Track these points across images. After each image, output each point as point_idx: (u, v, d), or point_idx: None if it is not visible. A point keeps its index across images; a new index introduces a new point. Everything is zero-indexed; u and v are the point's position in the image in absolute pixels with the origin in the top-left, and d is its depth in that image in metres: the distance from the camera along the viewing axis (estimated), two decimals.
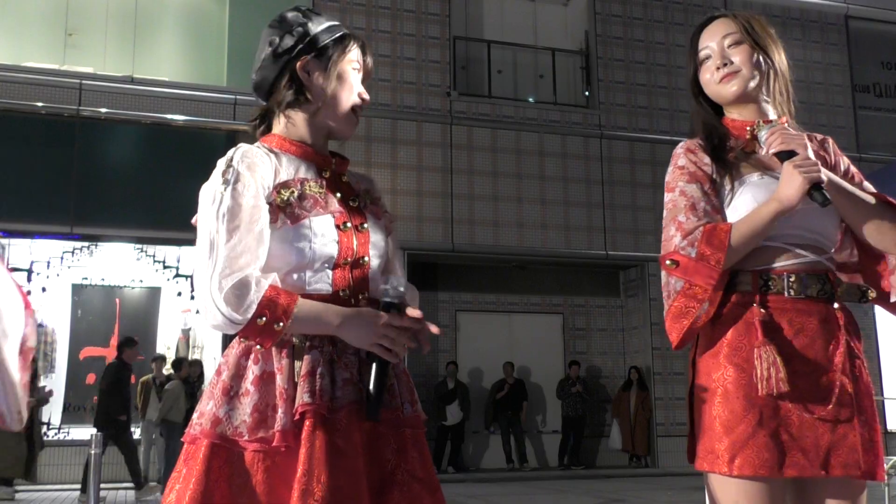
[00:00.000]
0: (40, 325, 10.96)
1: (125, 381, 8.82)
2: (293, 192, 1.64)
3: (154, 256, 11.19)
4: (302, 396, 1.54)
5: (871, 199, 1.85)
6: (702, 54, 1.94)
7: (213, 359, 10.73)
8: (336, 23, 1.80)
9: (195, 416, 1.62)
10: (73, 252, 10.95)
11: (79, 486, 9.02)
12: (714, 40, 1.91)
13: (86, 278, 11.29)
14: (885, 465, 1.84)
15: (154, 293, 11.56)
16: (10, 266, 10.71)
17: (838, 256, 1.90)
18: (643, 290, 12.26)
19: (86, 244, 10.87)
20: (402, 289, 1.65)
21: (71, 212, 9.91)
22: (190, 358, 10.44)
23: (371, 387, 1.60)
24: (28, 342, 1.55)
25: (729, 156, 1.88)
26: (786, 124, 1.89)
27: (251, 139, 1.77)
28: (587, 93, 12.68)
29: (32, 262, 10.82)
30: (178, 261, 11.18)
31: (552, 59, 12.84)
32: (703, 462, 1.77)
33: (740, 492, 1.72)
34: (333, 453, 1.52)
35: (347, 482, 1.52)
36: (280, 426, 1.52)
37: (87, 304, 11.34)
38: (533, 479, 11.08)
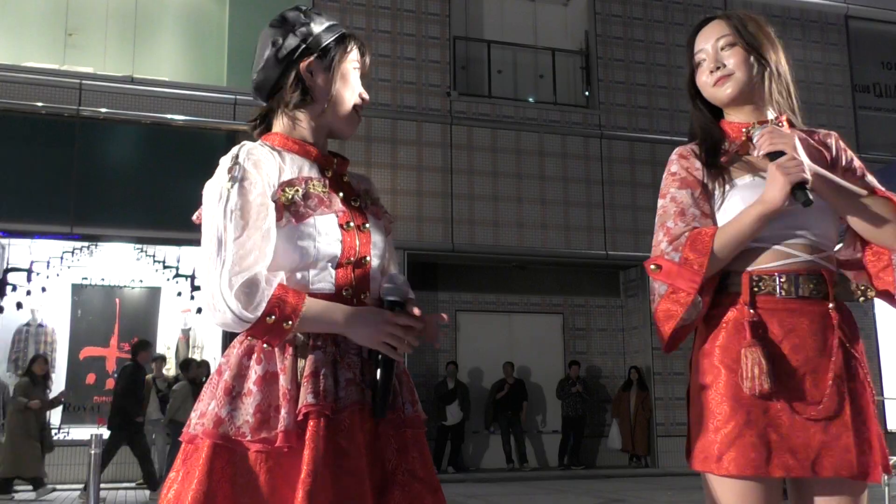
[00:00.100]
0: (40, 325, 10.97)
1: (140, 382, 8.93)
2: (298, 190, 1.64)
3: (154, 256, 11.18)
4: (306, 397, 1.53)
5: (865, 194, 1.83)
6: (697, 57, 1.94)
7: (212, 359, 10.73)
8: (335, 22, 1.80)
9: (194, 415, 1.61)
10: (73, 252, 10.95)
11: (79, 485, 9.03)
12: (708, 43, 1.92)
13: (86, 278, 11.30)
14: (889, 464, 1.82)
15: (154, 293, 11.56)
16: (10, 266, 10.73)
17: (843, 254, 1.89)
18: (643, 290, 12.26)
19: (86, 244, 10.87)
20: (405, 287, 1.66)
21: (71, 212, 9.91)
22: (193, 358, 10.45)
23: (379, 385, 1.61)
24: None
25: (721, 159, 1.89)
26: (783, 123, 1.89)
27: (251, 139, 1.77)
28: (587, 93, 12.68)
29: (32, 262, 10.82)
30: (178, 261, 11.18)
31: (552, 59, 12.83)
32: (696, 461, 1.79)
33: (731, 491, 1.74)
34: (337, 454, 1.52)
35: (351, 483, 1.52)
36: (283, 426, 1.52)
37: (87, 304, 11.34)
38: (533, 479, 11.08)
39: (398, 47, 11.65)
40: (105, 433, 8.16)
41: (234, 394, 1.57)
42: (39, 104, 10.00)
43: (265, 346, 1.59)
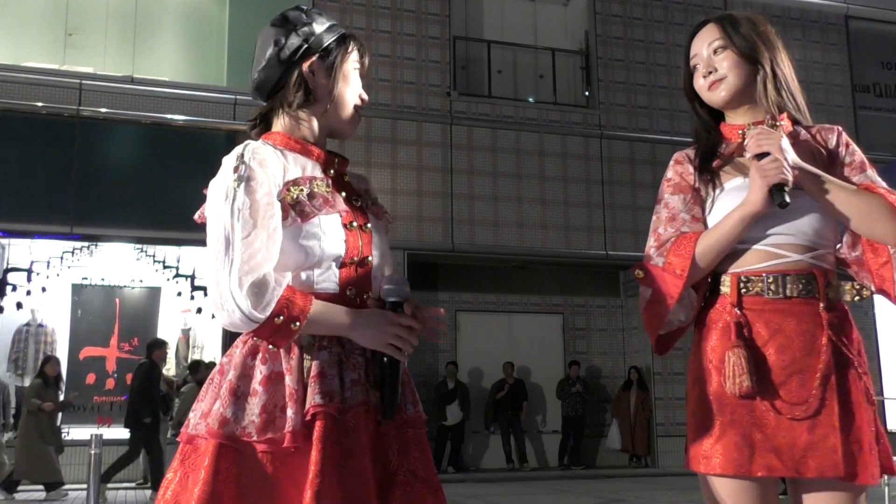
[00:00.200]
0: (40, 325, 10.98)
1: (155, 381, 8.92)
2: (303, 190, 1.64)
3: (154, 256, 11.18)
4: (314, 397, 1.53)
5: (854, 189, 1.82)
6: (692, 62, 1.97)
7: (212, 359, 10.73)
8: (335, 22, 1.81)
9: (194, 415, 1.60)
10: (73, 252, 10.95)
11: (79, 486, 9.03)
12: (702, 48, 1.94)
13: (86, 278, 11.30)
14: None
15: (154, 293, 11.56)
16: (10, 266, 10.73)
17: (845, 252, 1.88)
18: None
19: (86, 244, 10.87)
20: (405, 287, 1.66)
21: (71, 212, 9.91)
22: (201, 360, 10.45)
23: (387, 386, 1.62)
24: None
25: (715, 163, 1.91)
26: (781, 123, 1.89)
27: (251, 139, 1.76)
28: (587, 93, 12.68)
29: (32, 262, 10.82)
30: (178, 261, 11.17)
31: (552, 59, 12.84)
32: (688, 460, 1.83)
33: (723, 490, 1.77)
34: (343, 454, 1.53)
35: (356, 483, 1.52)
36: (291, 427, 1.52)
37: (87, 304, 11.34)
38: (533, 479, 11.08)
39: (398, 47, 11.65)
40: (104, 433, 8.15)
41: (239, 394, 1.57)
42: (39, 104, 10.00)
43: (270, 346, 1.59)
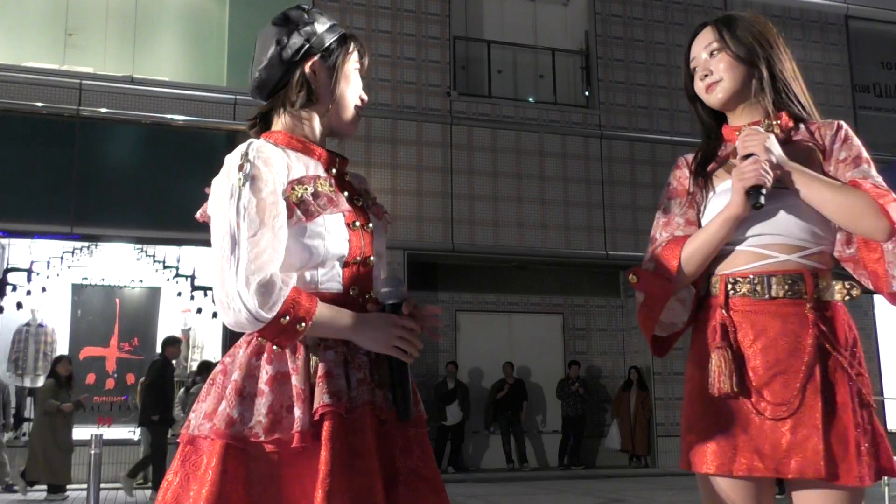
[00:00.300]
0: (40, 325, 10.97)
1: (168, 378, 8.92)
2: (307, 188, 1.64)
3: (154, 256, 11.18)
4: (322, 397, 1.53)
5: (839, 185, 1.81)
6: (692, 65, 1.98)
7: (213, 359, 10.72)
8: (335, 22, 1.81)
9: (196, 416, 1.59)
10: (73, 252, 10.94)
11: (79, 486, 9.02)
12: (699, 51, 1.95)
13: (86, 278, 11.30)
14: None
15: (154, 293, 11.56)
16: (10, 266, 10.73)
17: (840, 249, 1.87)
18: None
19: (86, 244, 10.86)
20: (402, 288, 1.66)
21: (71, 212, 9.91)
22: (211, 361, 10.45)
23: (399, 388, 1.62)
24: None
25: (710, 166, 1.93)
26: (777, 122, 1.89)
27: (251, 139, 1.77)
28: (587, 93, 12.68)
29: (32, 262, 10.81)
30: (178, 261, 11.17)
31: (552, 59, 12.83)
32: (681, 460, 1.86)
33: (717, 488, 1.79)
34: (351, 454, 1.53)
35: (364, 482, 1.52)
36: (299, 427, 1.51)
37: (87, 304, 11.34)
38: (533, 479, 11.08)
39: (398, 47, 11.65)
40: (104, 433, 8.14)
41: (245, 394, 1.56)
42: (39, 104, 10.00)
43: (275, 347, 1.58)
